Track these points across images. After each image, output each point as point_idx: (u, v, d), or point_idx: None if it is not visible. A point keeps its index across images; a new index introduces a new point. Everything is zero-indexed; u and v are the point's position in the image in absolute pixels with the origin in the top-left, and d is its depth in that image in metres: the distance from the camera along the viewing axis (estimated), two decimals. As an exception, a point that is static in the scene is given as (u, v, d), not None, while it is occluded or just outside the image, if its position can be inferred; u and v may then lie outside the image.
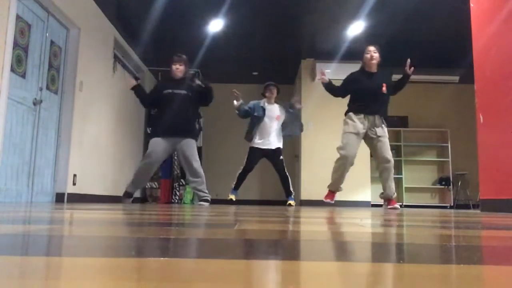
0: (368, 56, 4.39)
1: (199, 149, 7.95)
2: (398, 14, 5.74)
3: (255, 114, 5.33)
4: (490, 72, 3.83)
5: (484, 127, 3.89)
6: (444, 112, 8.53)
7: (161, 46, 6.95)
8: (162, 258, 0.47)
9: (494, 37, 3.77)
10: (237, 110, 5.31)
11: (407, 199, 8.27)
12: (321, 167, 7.31)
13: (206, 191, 4.48)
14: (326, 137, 7.36)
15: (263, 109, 5.36)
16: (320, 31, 6.36)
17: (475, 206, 8.07)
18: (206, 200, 4.44)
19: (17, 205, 2.85)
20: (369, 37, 6.51)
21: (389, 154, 4.33)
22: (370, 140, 4.43)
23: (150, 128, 4.29)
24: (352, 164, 4.43)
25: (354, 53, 7.05)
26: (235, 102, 5.26)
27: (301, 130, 5.70)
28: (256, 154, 5.31)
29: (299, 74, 7.86)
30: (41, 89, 4.43)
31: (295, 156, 8.22)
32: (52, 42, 4.66)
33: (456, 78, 7.86)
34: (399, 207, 4.50)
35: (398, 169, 8.36)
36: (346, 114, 4.49)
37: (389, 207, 4.34)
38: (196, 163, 4.44)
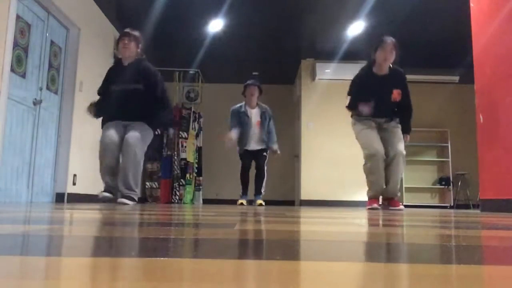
0: (381, 55, 3.76)
1: (199, 149, 7.93)
2: (398, 14, 5.74)
3: (241, 120, 4.98)
4: (490, 72, 3.83)
5: (484, 127, 3.89)
6: (444, 112, 8.53)
7: (161, 46, 6.95)
8: (162, 258, 0.47)
9: (494, 37, 3.77)
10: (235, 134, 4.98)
11: (407, 199, 8.27)
12: (321, 167, 7.32)
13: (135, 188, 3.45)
14: (326, 137, 7.37)
15: (246, 115, 4.98)
16: (320, 31, 6.36)
17: (475, 206, 8.07)
18: (131, 198, 3.41)
19: (17, 205, 2.85)
20: (369, 37, 6.51)
21: (402, 146, 3.76)
22: (382, 132, 3.86)
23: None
24: (384, 158, 3.71)
25: (354, 53, 7.05)
26: (232, 137, 4.93)
27: (272, 143, 5.12)
28: (247, 155, 5.10)
29: (299, 74, 7.86)
30: (41, 89, 4.43)
31: (295, 156, 8.22)
32: (52, 42, 4.66)
33: (456, 78, 7.86)
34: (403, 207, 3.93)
35: (398, 169, 8.35)
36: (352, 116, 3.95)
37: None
38: (137, 149, 3.40)
